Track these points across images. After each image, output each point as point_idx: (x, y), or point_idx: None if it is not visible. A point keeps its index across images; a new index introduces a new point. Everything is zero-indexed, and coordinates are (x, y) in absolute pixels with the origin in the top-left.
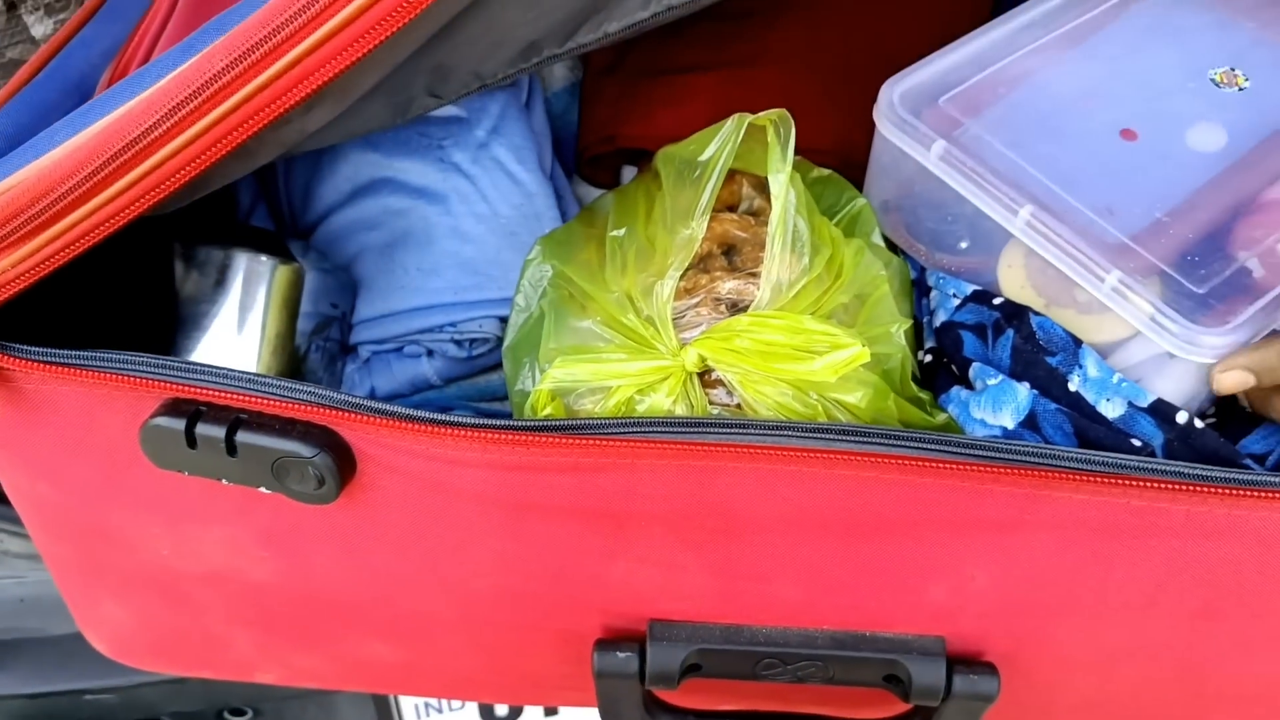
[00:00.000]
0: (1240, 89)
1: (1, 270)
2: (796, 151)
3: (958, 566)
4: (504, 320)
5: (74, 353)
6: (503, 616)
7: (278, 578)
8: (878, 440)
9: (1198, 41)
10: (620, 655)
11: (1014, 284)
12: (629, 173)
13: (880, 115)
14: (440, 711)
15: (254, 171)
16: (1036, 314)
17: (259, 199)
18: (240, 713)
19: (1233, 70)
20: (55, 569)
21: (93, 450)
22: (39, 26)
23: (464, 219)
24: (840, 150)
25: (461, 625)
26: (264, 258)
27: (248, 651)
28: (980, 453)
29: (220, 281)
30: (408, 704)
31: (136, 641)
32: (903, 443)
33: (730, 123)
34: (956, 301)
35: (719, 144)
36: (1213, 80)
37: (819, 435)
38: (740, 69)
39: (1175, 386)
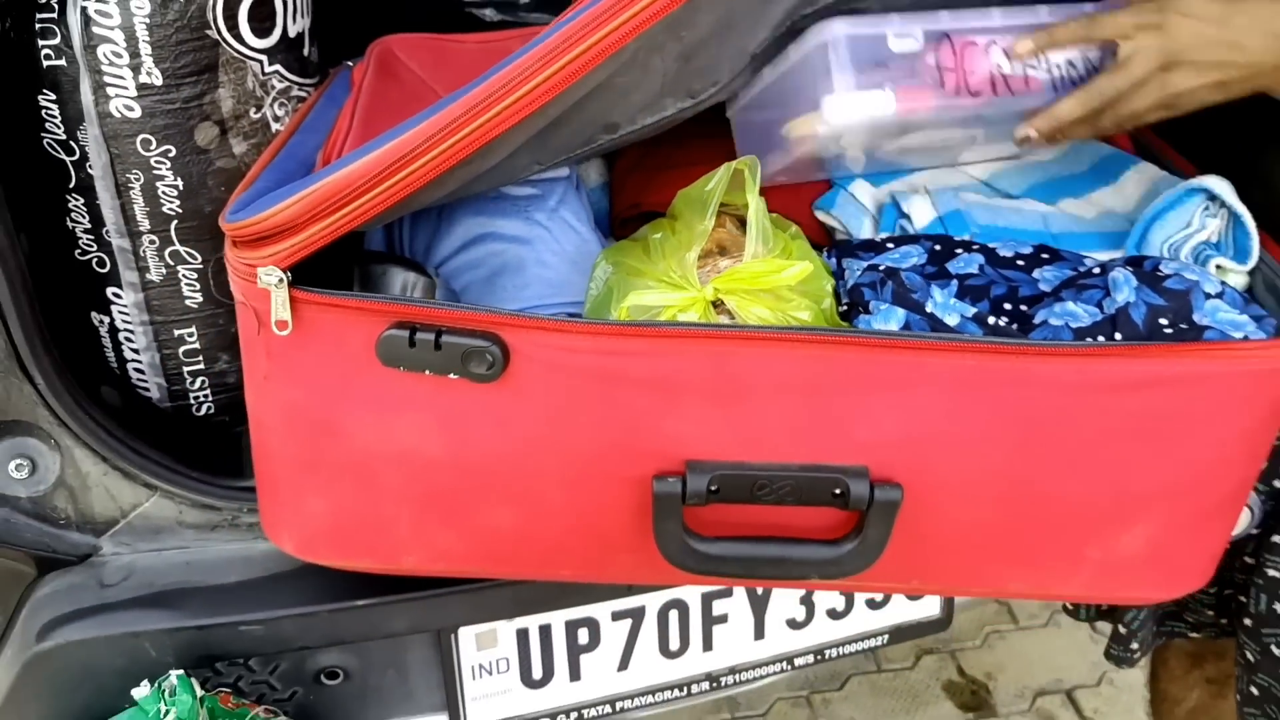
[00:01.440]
0: None
1: (311, 235)
2: None
3: (873, 414)
4: (573, 315)
5: (343, 291)
6: (595, 468)
7: (444, 452)
8: (821, 331)
9: None
10: (670, 481)
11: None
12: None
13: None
14: (490, 674)
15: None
16: (905, 271)
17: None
18: (334, 675)
19: None
20: (273, 471)
21: (339, 359)
22: (240, 146)
23: (545, 254)
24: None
25: (563, 481)
26: (412, 273)
27: (404, 533)
28: (875, 335)
29: (387, 283)
30: (467, 666)
31: (321, 535)
32: (835, 333)
33: (721, 169)
34: (859, 272)
35: (715, 181)
36: None
37: (788, 329)
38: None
39: None
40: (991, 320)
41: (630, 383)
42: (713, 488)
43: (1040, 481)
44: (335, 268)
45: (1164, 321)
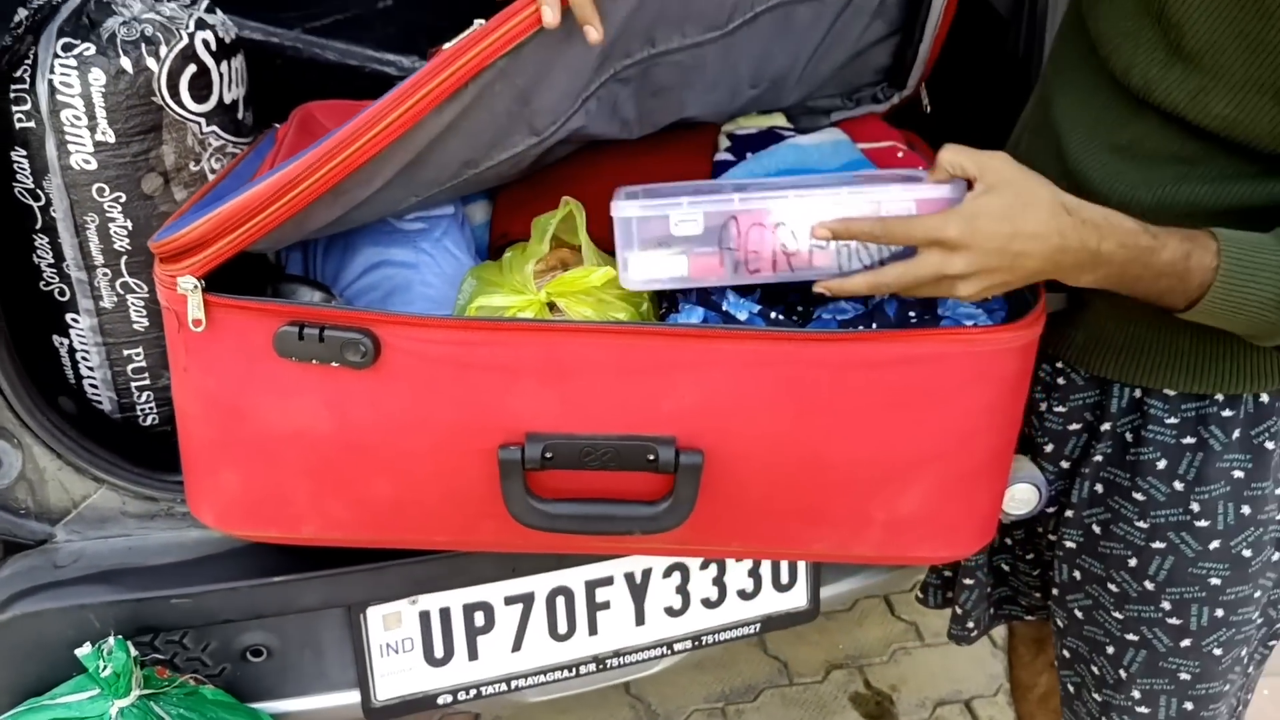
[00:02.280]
0: None
1: (219, 248)
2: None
3: (675, 391)
4: None
5: (247, 296)
6: (453, 441)
7: (330, 430)
8: (631, 324)
9: None
10: (512, 449)
11: None
12: None
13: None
14: (397, 653)
15: (299, 264)
16: (714, 290)
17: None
18: (258, 653)
19: None
20: (195, 454)
21: (243, 351)
22: (181, 193)
23: (429, 275)
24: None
25: (427, 453)
26: (316, 291)
27: (302, 503)
28: (675, 327)
29: (294, 300)
30: (375, 645)
31: (234, 508)
32: (643, 325)
33: (561, 206)
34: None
35: (555, 215)
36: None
37: (605, 323)
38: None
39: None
40: (774, 315)
41: (478, 368)
42: (547, 455)
43: (819, 448)
44: (254, 287)
45: (911, 314)
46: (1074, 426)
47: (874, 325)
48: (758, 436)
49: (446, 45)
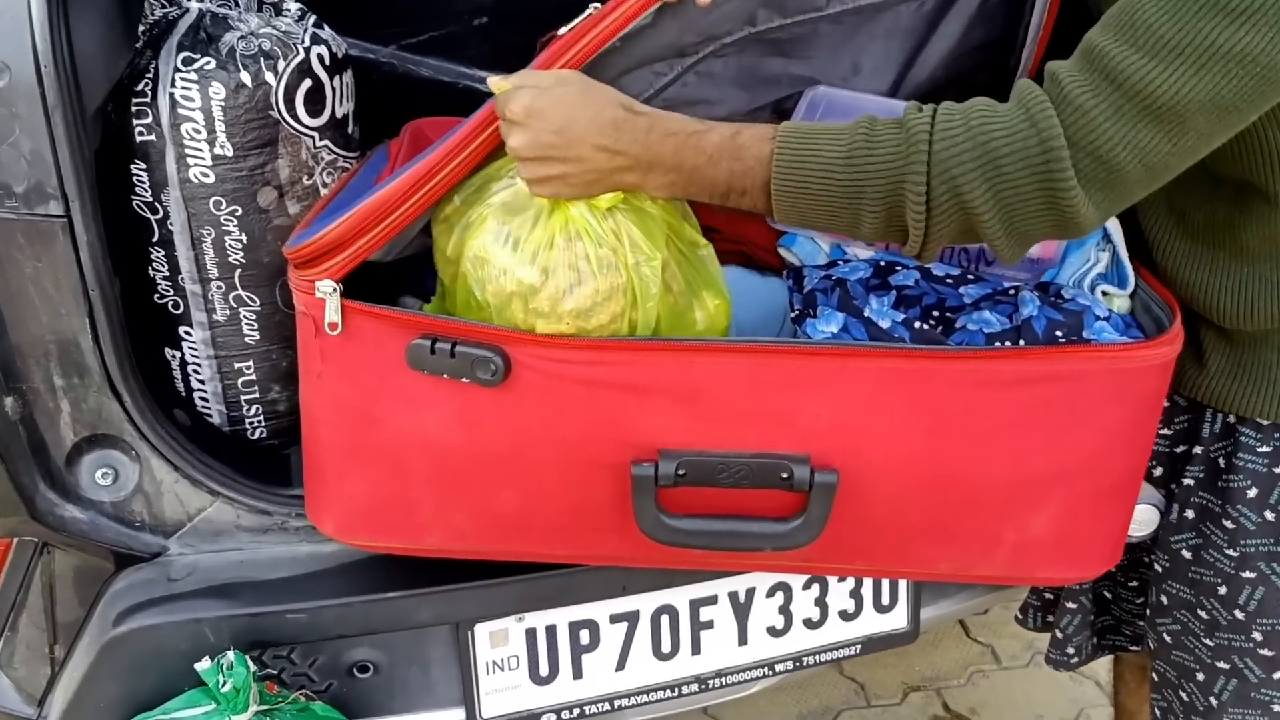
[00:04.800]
0: None
1: (357, 249)
2: (722, 239)
3: (809, 409)
4: None
5: (383, 305)
6: (583, 457)
7: (459, 442)
8: (763, 342)
9: None
10: (645, 465)
11: None
12: None
13: None
14: (502, 670)
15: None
16: (852, 282)
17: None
18: (365, 669)
19: None
20: (320, 460)
21: (377, 360)
22: (294, 207)
23: None
24: (745, 238)
25: (556, 468)
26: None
27: (427, 514)
28: (809, 344)
29: None
30: (482, 662)
31: (357, 517)
32: (777, 343)
33: None
34: (815, 280)
35: None
36: None
37: (741, 341)
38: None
39: None
40: (918, 325)
41: (611, 387)
42: (680, 472)
43: (954, 467)
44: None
45: (1059, 334)
46: (1179, 449)
47: (1021, 342)
48: (890, 454)
49: (561, 31)
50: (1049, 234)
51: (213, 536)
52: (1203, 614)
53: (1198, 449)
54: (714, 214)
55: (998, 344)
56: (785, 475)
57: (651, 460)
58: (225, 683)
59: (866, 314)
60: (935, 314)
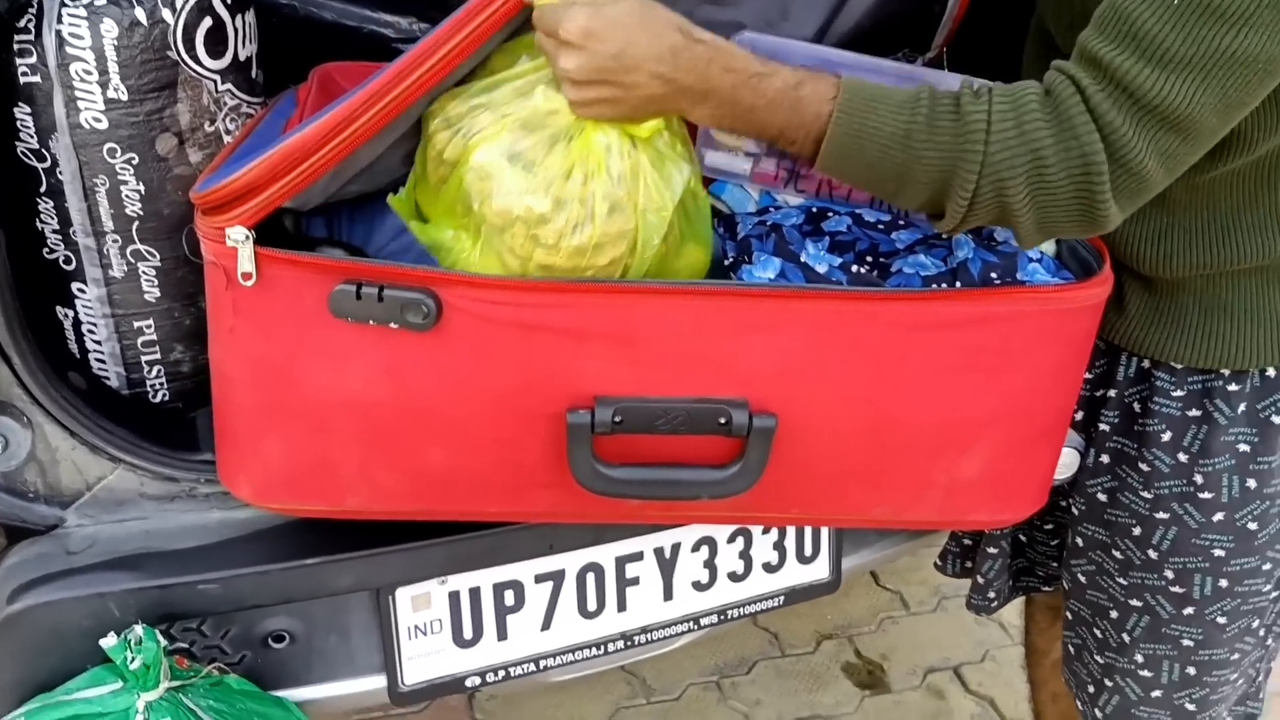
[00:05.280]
0: None
1: (271, 193)
2: None
3: (748, 353)
4: None
5: (300, 251)
6: (516, 406)
7: (385, 395)
8: (702, 285)
9: None
10: (580, 413)
11: None
12: None
13: None
14: (425, 634)
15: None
16: (787, 228)
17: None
18: (280, 639)
19: None
20: (234, 420)
21: (295, 311)
22: (196, 155)
23: None
24: None
25: (490, 421)
26: (355, 256)
27: (349, 474)
28: (749, 286)
29: None
30: (404, 627)
31: (274, 480)
32: (716, 285)
33: None
34: (749, 226)
35: None
36: None
37: (679, 284)
38: None
39: None
40: (855, 269)
41: (546, 330)
42: (617, 419)
43: (890, 409)
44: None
45: (994, 275)
46: (1098, 394)
47: (957, 284)
48: (828, 398)
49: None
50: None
51: (115, 506)
52: (1117, 554)
53: (1112, 393)
54: None
55: (934, 286)
56: (724, 420)
57: (588, 407)
58: (134, 659)
59: (803, 259)
60: (869, 259)
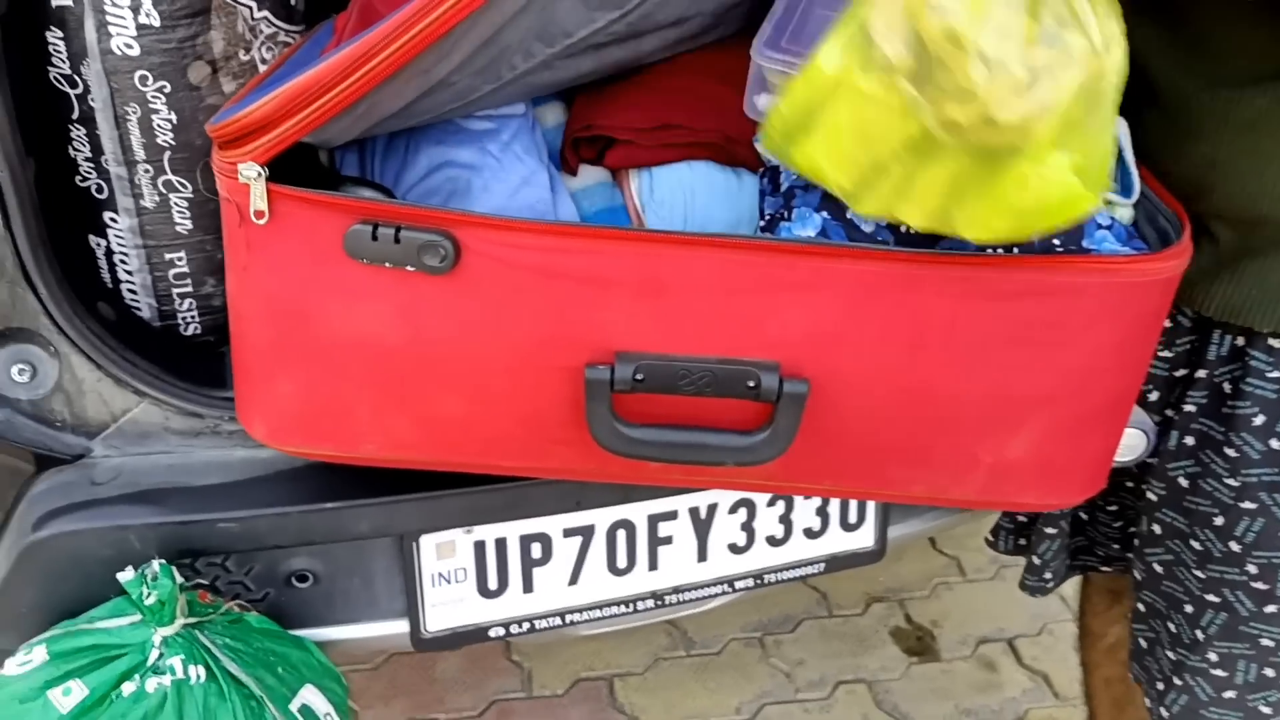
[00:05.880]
0: None
1: (285, 129)
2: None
3: (781, 313)
4: None
5: (314, 189)
6: (534, 357)
7: (400, 340)
8: (737, 236)
9: None
10: (600, 369)
11: None
12: (585, 168)
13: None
14: (449, 583)
15: (355, 169)
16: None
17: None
18: (304, 579)
19: None
20: (250, 360)
21: (310, 250)
22: (229, 85)
23: (491, 181)
24: (717, 130)
25: (506, 368)
26: (378, 192)
27: (363, 419)
28: (785, 242)
29: None
30: (427, 574)
31: (289, 421)
32: (749, 238)
33: None
34: (794, 176)
35: None
36: None
37: (708, 235)
38: (661, 94)
39: None
40: (904, 229)
41: (567, 278)
42: (638, 376)
43: (933, 382)
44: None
45: (1056, 242)
46: (1179, 373)
47: (1015, 250)
48: (866, 365)
49: None
50: None
51: (140, 439)
52: (1195, 545)
53: (1201, 373)
54: (678, 106)
55: (989, 251)
56: (752, 384)
57: (608, 363)
58: (149, 595)
59: (849, 214)
60: None
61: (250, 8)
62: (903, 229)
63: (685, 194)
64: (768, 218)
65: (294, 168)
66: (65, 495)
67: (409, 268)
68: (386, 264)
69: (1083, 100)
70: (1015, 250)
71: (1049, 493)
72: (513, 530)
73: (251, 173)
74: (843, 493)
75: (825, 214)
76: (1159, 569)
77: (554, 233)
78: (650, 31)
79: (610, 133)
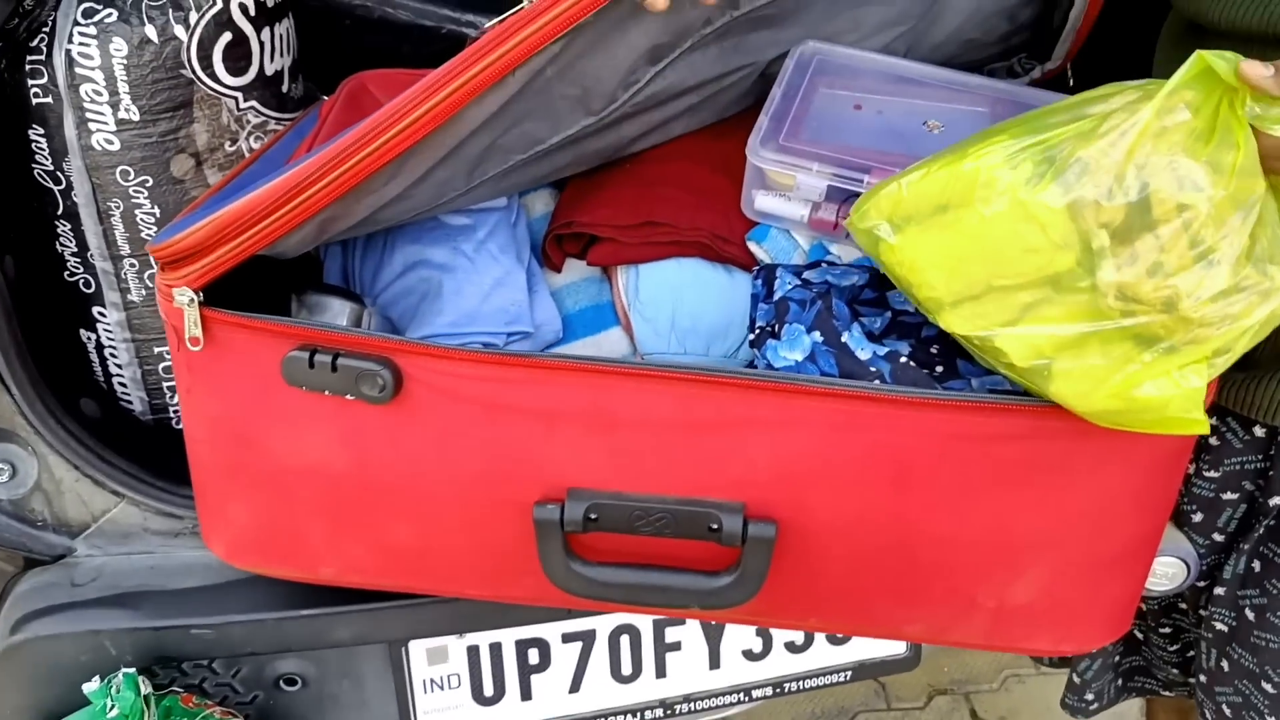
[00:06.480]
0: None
1: (218, 256)
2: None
3: (746, 451)
4: (486, 346)
5: (252, 313)
6: (482, 491)
7: (346, 469)
8: (693, 368)
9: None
10: (549, 507)
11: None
12: (572, 263)
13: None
14: (442, 689)
15: (339, 264)
16: (839, 298)
17: (342, 281)
18: (292, 682)
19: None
20: (203, 481)
21: (250, 375)
22: (214, 176)
23: (463, 283)
24: (705, 230)
25: (455, 501)
26: (346, 301)
27: (319, 544)
28: (746, 375)
29: (320, 313)
30: (418, 680)
31: (246, 542)
32: (708, 371)
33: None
34: (790, 286)
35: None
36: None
37: (663, 366)
38: (646, 188)
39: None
40: (905, 360)
41: (513, 410)
42: (591, 516)
43: (919, 524)
44: (275, 295)
45: None
46: (1229, 495)
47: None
48: (842, 507)
49: (489, 24)
50: None
51: (121, 539)
52: (1268, 687)
53: (1275, 500)
54: (663, 202)
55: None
56: (715, 526)
57: (558, 501)
58: (112, 707)
59: (844, 339)
60: (936, 348)
61: (235, 98)
62: (902, 359)
63: (673, 293)
64: (757, 330)
65: (270, 263)
66: (45, 597)
67: (348, 396)
68: (326, 392)
69: (1253, 332)
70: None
71: (1064, 638)
72: (508, 636)
73: (184, 298)
74: (830, 629)
75: (818, 336)
76: (1228, 711)
77: (497, 363)
78: (631, 117)
79: (592, 230)
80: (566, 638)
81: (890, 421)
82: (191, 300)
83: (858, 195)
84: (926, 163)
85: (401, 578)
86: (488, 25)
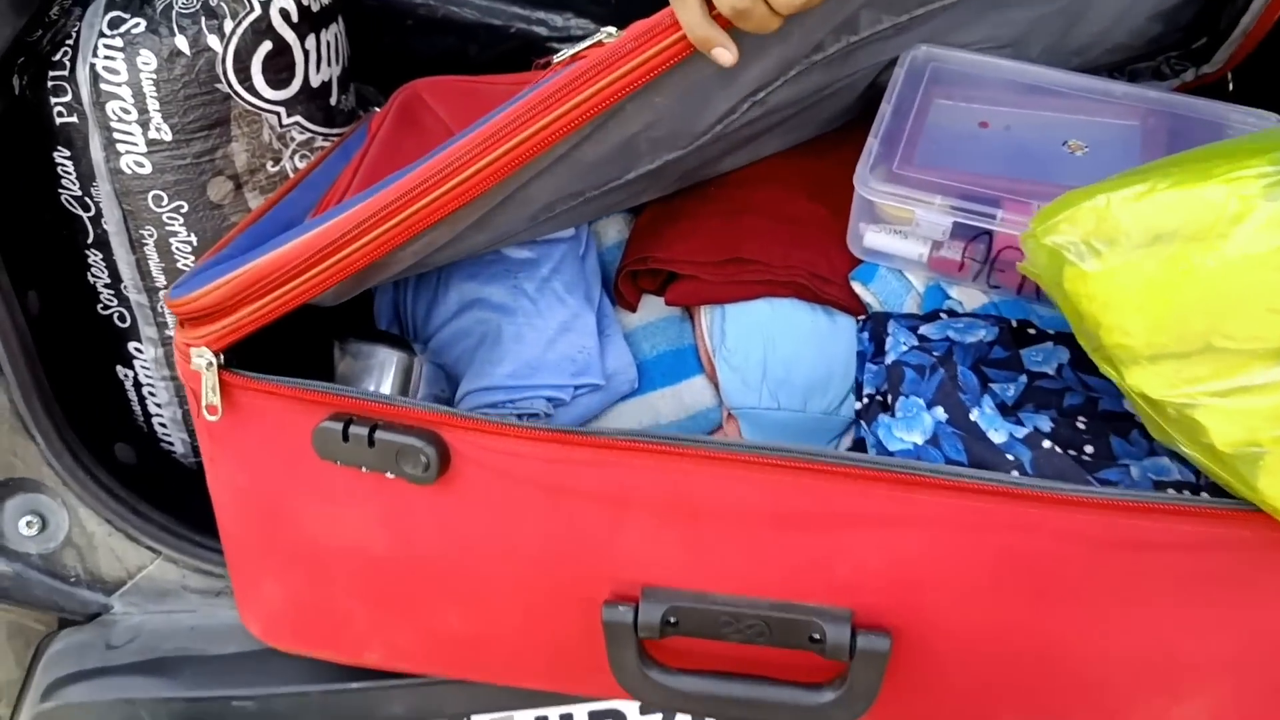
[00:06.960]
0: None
1: (240, 317)
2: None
3: (853, 551)
4: (550, 400)
5: (278, 377)
6: (543, 583)
7: (389, 550)
8: (790, 454)
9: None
10: (620, 609)
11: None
12: (649, 299)
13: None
14: None
15: (390, 300)
16: (964, 363)
17: (394, 320)
18: None
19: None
20: (235, 554)
21: (279, 446)
22: (255, 200)
23: (524, 329)
24: (801, 268)
25: (513, 591)
26: (395, 350)
27: (362, 627)
28: (853, 462)
29: (365, 363)
30: None
31: (283, 621)
32: (806, 458)
33: None
34: (906, 348)
35: None
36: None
37: (753, 448)
38: (732, 217)
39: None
40: (1047, 445)
41: (577, 495)
42: (670, 620)
43: (1064, 639)
44: (316, 338)
45: None
46: None
47: (1184, 491)
48: (971, 619)
49: (558, 58)
50: None
51: (159, 597)
52: None
53: None
54: (752, 235)
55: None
56: (816, 636)
57: (631, 600)
58: None
59: (973, 417)
60: (1083, 421)
61: (279, 114)
62: (1045, 442)
63: (764, 339)
64: (865, 399)
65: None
66: (79, 660)
67: (388, 474)
68: (362, 468)
69: None
70: (1185, 492)
71: None
72: (580, 710)
73: (202, 361)
74: None
75: (941, 414)
76: None
77: (558, 441)
78: (718, 140)
79: (670, 266)
80: (645, 710)
81: (1032, 522)
82: (210, 364)
83: (987, 233)
84: (1144, 174)
85: (454, 667)
86: (555, 59)
